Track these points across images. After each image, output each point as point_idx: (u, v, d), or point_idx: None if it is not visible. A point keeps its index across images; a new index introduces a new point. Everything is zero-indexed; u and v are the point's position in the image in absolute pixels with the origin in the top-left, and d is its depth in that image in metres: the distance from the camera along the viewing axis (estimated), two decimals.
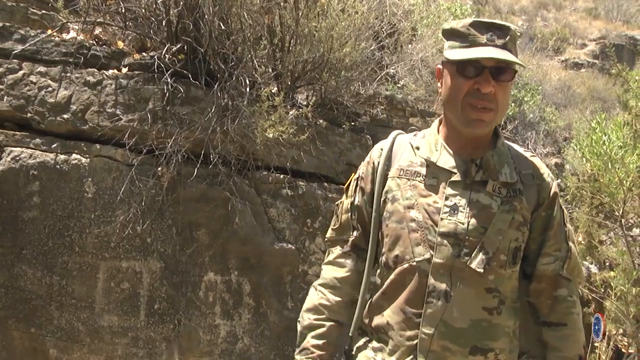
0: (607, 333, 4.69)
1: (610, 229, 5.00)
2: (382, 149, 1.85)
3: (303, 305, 1.92)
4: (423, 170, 1.74)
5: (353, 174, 1.96)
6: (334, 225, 1.95)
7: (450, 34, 1.70)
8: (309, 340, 1.83)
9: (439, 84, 1.80)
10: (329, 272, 1.90)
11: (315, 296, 1.88)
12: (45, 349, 3.69)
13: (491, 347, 1.66)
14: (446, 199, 1.69)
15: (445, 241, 1.66)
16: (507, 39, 1.64)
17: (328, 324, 1.84)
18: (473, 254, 1.65)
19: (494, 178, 1.71)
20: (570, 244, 1.78)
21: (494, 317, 1.67)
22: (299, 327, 1.89)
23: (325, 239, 2.01)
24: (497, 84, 1.64)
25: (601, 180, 4.19)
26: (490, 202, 1.68)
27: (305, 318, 1.87)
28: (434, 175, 1.73)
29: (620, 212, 4.24)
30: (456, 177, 1.70)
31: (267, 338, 4.01)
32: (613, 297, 4.56)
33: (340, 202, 1.96)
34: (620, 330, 5.05)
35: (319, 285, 1.90)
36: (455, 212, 1.67)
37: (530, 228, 1.74)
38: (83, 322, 3.72)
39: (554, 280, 1.75)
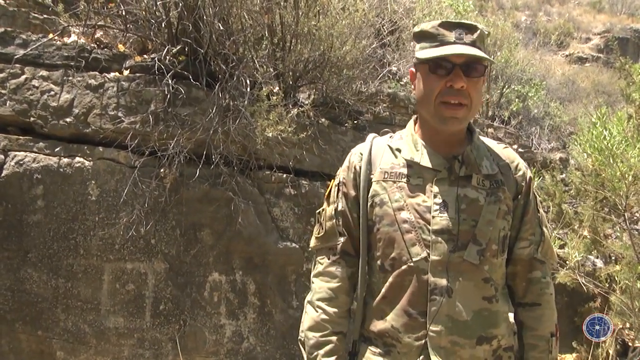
0: (612, 327, 4.67)
1: (615, 223, 4.98)
2: (361, 154, 1.86)
3: (302, 323, 1.88)
4: (407, 171, 1.77)
5: (332, 180, 1.95)
6: (318, 234, 1.92)
7: (421, 36, 1.75)
8: None
9: (412, 86, 1.83)
10: (321, 284, 1.87)
11: (314, 312, 1.85)
12: (52, 351, 3.71)
13: (495, 335, 1.71)
14: (435, 197, 1.72)
15: (439, 238, 1.69)
16: (475, 37, 1.69)
17: (334, 338, 1.81)
18: (468, 248, 1.69)
19: (476, 172, 1.75)
20: (544, 228, 1.85)
21: (493, 305, 1.72)
22: (304, 348, 1.84)
23: (310, 248, 1.98)
24: (468, 80, 1.68)
25: (603, 174, 4.18)
26: (477, 196, 1.73)
27: (310, 337, 1.82)
28: (419, 175, 1.76)
29: (623, 206, 4.23)
30: (441, 175, 1.74)
31: (272, 337, 4.03)
32: (618, 292, 4.55)
33: (322, 209, 1.93)
34: (627, 325, 5.03)
35: (315, 300, 1.86)
36: (446, 208, 1.70)
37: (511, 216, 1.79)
38: (89, 324, 3.74)
39: (528, 263, 1.82)
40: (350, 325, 1.88)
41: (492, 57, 8.25)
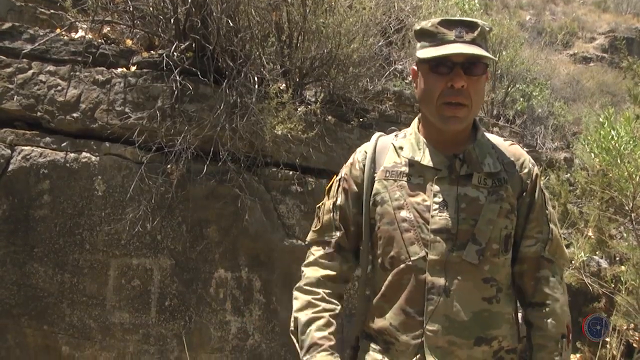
0: (617, 328, 4.66)
1: (620, 223, 4.98)
2: (366, 152, 1.86)
3: (292, 312, 1.81)
4: (408, 170, 1.76)
5: (335, 176, 1.94)
6: (315, 227, 1.91)
7: (421, 35, 1.72)
8: (314, 335, 1.70)
9: (414, 85, 1.81)
10: (311, 273, 1.83)
11: (304, 296, 1.80)
12: (57, 346, 3.72)
13: (495, 336, 1.69)
14: (434, 196, 1.70)
15: (438, 237, 1.68)
16: (475, 35, 1.66)
17: (327, 314, 1.75)
18: (467, 247, 1.67)
19: (478, 170, 1.73)
20: (552, 226, 1.81)
21: (494, 305, 1.69)
22: (296, 337, 1.76)
23: (306, 242, 1.95)
24: (469, 79, 1.65)
25: (610, 175, 4.18)
26: (477, 194, 1.70)
27: (301, 316, 1.76)
28: (420, 174, 1.74)
29: (630, 206, 4.23)
30: (442, 174, 1.72)
31: (277, 334, 4.02)
32: (624, 292, 4.54)
33: (322, 203, 1.92)
34: (632, 325, 5.02)
35: (304, 285, 1.82)
36: (445, 207, 1.69)
37: (516, 214, 1.76)
38: (94, 319, 3.75)
39: (536, 262, 1.78)
40: (352, 321, 1.87)
41: (497, 56, 8.24)
